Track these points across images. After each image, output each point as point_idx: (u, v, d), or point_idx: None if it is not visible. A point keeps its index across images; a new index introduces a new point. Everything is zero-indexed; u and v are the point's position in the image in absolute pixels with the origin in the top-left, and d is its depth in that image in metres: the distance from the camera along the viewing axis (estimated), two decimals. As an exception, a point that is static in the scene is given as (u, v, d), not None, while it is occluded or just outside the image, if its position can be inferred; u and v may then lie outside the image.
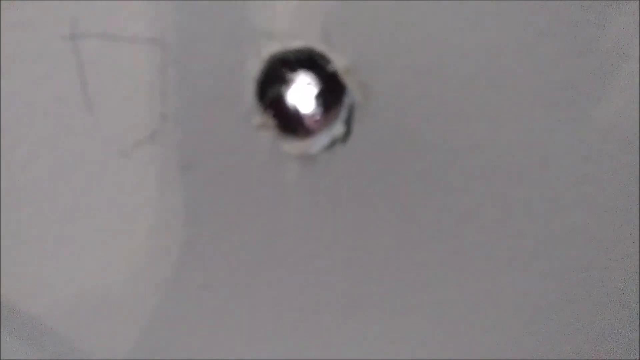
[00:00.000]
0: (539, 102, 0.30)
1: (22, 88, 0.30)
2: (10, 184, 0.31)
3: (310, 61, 0.30)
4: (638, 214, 0.32)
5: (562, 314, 0.35)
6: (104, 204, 0.32)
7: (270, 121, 0.30)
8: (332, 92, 0.31)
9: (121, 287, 0.34)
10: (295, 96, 0.32)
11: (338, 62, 0.29)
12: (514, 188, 0.32)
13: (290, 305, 0.35)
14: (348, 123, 0.30)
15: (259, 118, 0.30)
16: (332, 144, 0.30)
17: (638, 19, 0.28)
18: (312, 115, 0.32)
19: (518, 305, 0.35)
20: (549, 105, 0.30)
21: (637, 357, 0.35)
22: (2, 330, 0.35)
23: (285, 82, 0.31)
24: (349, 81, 0.29)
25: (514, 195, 0.32)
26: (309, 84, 0.32)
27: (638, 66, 0.29)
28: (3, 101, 0.30)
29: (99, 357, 0.36)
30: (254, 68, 0.29)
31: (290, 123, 0.32)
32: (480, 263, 0.34)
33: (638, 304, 0.34)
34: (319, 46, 0.29)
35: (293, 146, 0.30)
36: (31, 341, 0.35)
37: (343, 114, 0.30)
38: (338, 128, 0.30)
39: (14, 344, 0.35)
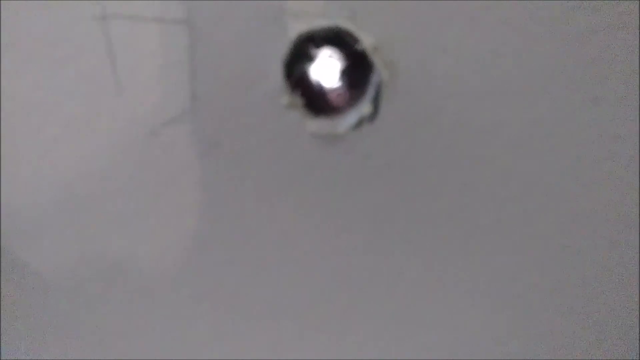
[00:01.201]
0: (563, 82, 0.30)
1: (52, 68, 0.30)
2: (40, 164, 0.32)
3: (338, 40, 0.30)
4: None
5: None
6: (134, 183, 0.32)
7: (298, 100, 0.30)
8: (359, 71, 0.31)
9: (147, 263, 0.35)
10: (322, 73, 0.32)
11: (365, 41, 0.29)
12: (536, 167, 0.32)
13: (315, 283, 0.35)
14: (375, 102, 0.30)
15: (287, 97, 0.30)
16: (360, 123, 0.30)
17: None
18: (338, 91, 0.32)
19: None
20: (571, 85, 0.30)
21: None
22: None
23: (312, 60, 0.31)
24: (376, 59, 0.29)
25: (537, 174, 0.32)
26: (334, 58, 0.32)
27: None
28: (33, 82, 0.30)
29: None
30: (281, 47, 0.29)
31: (317, 101, 0.32)
32: (495, 243, 0.34)
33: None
34: (346, 25, 0.29)
35: (320, 125, 0.31)
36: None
37: (370, 92, 0.30)
38: (366, 107, 0.30)
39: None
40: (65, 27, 0.29)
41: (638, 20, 0.28)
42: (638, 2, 0.27)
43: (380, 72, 0.29)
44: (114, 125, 0.31)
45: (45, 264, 0.35)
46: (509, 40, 0.29)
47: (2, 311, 0.36)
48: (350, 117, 0.31)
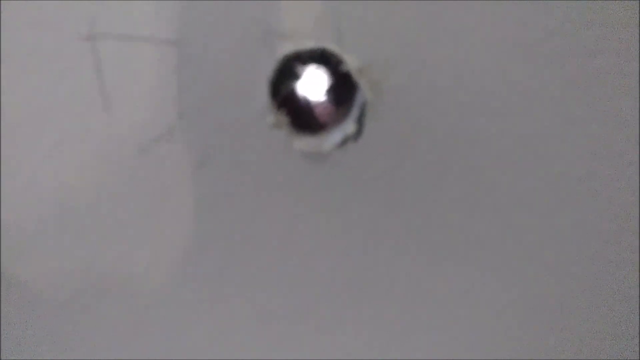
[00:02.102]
0: (548, 100, 0.30)
1: (40, 87, 0.31)
2: (28, 180, 0.32)
3: (324, 60, 0.30)
4: (638, 214, 0.32)
5: (562, 313, 0.35)
6: (121, 200, 0.33)
7: (283, 119, 0.30)
8: (344, 90, 0.32)
9: (135, 281, 0.35)
10: (307, 89, 0.33)
11: (350, 62, 0.29)
12: (523, 183, 0.32)
13: (300, 302, 0.35)
14: (360, 121, 0.30)
15: (273, 117, 0.30)
16: (345, 141, 0.31)
17: (638, 19, 0.28)
18: (323, 107, 0.33)
19: (518, 305, 0.35)
20: (558, 101, 0.30)
21: (637, 357, 0.35)
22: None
23: (297, 79, 0.32)
24: (361, 80, 0.30)
25: (524, 190, 0.32)
26: (319, 77, 0.32)
27: (638, 66, 0.29)
28: (21, 100, 0.31)
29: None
30: (267, 67, 0.30)
31: (303, 119, 0.32)
32: (485, 259, 0.34)
33: (638, 304, 0.34)
34: (332, 46, 0.29)
35: (306, 143, 0.31)
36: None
37: (355, 112, 0.31)
38: (350, 126, 0.31)
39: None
40: (53, 45, 0.30)
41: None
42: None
43: (365, 92, 0.30)
44: (102, 141, 0.31)
45: (33, 278, 0.35)
46: (493, 62, 0.30)
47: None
48: (335, 135, 0.31)
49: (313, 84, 0.33)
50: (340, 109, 0.33)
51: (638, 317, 0.34)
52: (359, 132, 0.31)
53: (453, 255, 0.34)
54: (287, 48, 0.29)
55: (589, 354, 0.36)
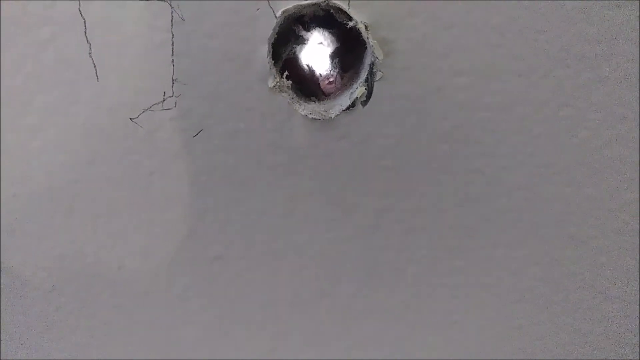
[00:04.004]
0: (555, 58, 0.28)
1: (28, 53, 0.29)
2: (19, 153, 0.30)
3: (328, 19, 0.28)
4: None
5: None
6: (116, 173, 0.30)
7: (285, 83, 0.28)
8: (351, 51, 0.29)
9: (134, 259, 0.33)
10: (312, 56, 0.31)
11: (358, 19, 0.27)
12: (528, 148, 0.30)
13: (307, 273, 0.33)
14: (369, 84, 0.28)
15: (274, 80, 0.28)
16: (353, 105, 0.28)
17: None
18: (328, 77, 0.31)
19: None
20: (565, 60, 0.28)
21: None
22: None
23: (301, 42, 0.30)
24: (369, 38, 0.27)
25: (527, 155, 0.30)
26: (321, 43, 0.30)
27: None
28: (10, 67, 0.29)
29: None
30: (268, 27, 0.27)
31: (308, 84, 0.30)
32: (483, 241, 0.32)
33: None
34: (337, 1, 0.27)
35: (311, 109, 0.29)
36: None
37: (363, 74, 0.28)
38: (359, 90, 0.28)
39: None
40: (40, 9, 0.28)
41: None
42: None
43: (374, 51, 0.27)
44: (93, 112, 0.29)
45: (22, 263, 0.33)
46: (501, 22, 0.27)
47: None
48: (342, 100, 0.29)
49: (317, 50, 0.31)
50: (347, 73, 0.30)
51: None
52: (368, 95, 0.28)
53: (462, 229, 0.32)
54: (289, 4, 0.27)
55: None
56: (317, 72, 0.31)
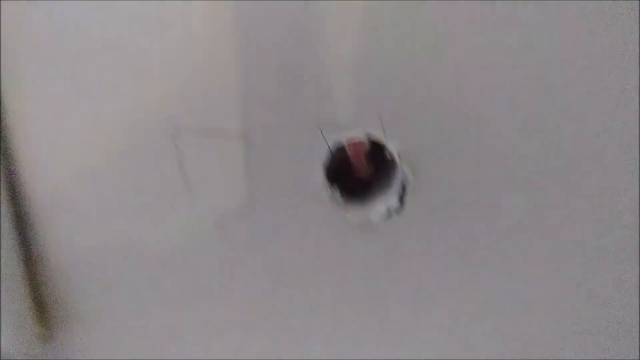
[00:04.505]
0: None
1: (136, 180, 0.37)
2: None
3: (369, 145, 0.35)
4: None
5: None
6: (203, 266, 0.39)
7: (337, 195, 0.36)
8: (386, 169, 0.37)
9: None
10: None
11: (392, 147, 0.34)
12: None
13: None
14: (401, 197, 0.36)
15: (327, 194, 0.36)
16: (389, 214, 0.36)
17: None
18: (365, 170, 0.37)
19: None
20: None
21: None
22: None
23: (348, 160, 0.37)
24: (401, 163, 0.35)
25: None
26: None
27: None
28: (124, 192, 0.37)
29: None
30: (322, 154, 0.35)
31: (352, 189, 0.37)
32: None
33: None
34: (376, 134, 0.34)
35: (356, 213, 0.37)
36: None
37: (396, 189, 0.36)
38: (392, 200, 0.36)
39: None
40: (141, 141, 0.36)
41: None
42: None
43: (405, 173, 0.35)
44: (185, 217, 0.37)
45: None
46: (515, 140, 0.34)
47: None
48: (379, 206, 0.37)
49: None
50: (383, 183, 0.38)
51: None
52: (401, 206, 0.36)
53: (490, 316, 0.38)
54: (337, 137, 0.34)
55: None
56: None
